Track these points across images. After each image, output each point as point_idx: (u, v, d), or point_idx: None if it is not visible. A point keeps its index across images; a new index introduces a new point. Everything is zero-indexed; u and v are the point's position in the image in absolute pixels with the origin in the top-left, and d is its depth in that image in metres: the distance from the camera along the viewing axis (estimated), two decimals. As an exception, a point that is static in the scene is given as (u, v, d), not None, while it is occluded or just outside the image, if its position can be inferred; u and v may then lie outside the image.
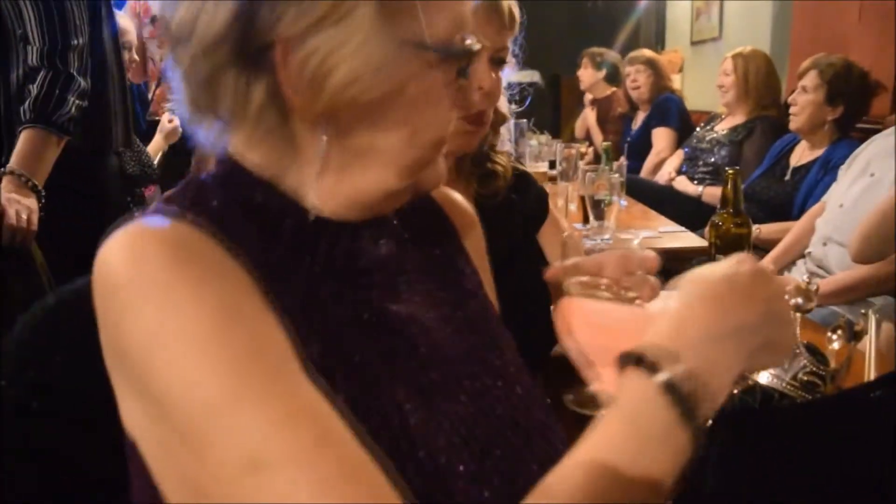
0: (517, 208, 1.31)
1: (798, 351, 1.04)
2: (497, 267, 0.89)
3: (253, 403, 0.50)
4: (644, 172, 4.12)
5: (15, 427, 0.67)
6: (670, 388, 0.55)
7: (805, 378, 1.02)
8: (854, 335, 1.10)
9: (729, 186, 1.64)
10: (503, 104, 1.36)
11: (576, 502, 0.52)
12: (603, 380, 0.63)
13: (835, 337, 1.11)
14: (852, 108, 2.69)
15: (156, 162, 2.87)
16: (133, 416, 0.56)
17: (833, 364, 1.05)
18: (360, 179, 0.62)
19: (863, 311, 1.12)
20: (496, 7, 1.15)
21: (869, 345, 1.10)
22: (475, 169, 1.29)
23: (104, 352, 0.56)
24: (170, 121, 2.95)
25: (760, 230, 2.68)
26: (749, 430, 0.75)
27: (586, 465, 0.54)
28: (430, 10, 0.59)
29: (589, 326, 0.67)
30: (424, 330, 0.67)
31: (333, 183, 0.62)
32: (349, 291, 0.64)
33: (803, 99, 2.69)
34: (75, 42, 1.72)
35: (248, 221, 0.61)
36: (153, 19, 3.05)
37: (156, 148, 2.87)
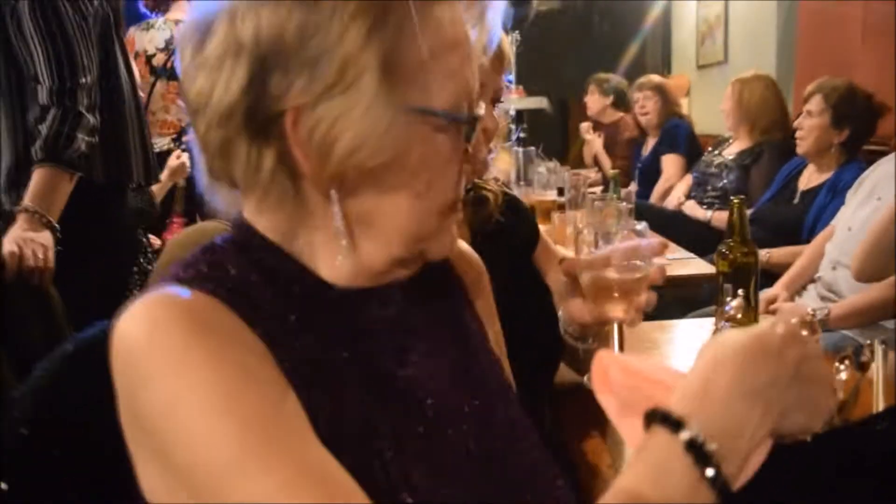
0: (511, 232, 1.35)
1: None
2: (499, 291, 0.91)
3: (264, 467, 0.53)
4: (654, 198, 4.14)
5: (27, 466, 0.69)
6: (693, 447, 0.55)
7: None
8: (861, 364, 1.11)
9: (735, 215, 1.65)
10: None
11: None
12: (638, 433, 0.63)
13: (842, 367, 1.11)
14: (858, 131, 2.70)
15: (172, 197, 2.91)
16: (153, 482, 0.58)
17: (840, 394, 1.05)
18: (368, 245, 0.64)
19: (868, 340, 1.13)
20: (497, 52, 1.19)
21: (876, 374, 1.10)
22: (465, 197, 1.33)
23: (122, 420, 0.58)
24: (178, 157, 2.96)
25: (770, 255, 2.69)
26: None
27: None
28: (434, 78, 0.62)
29: (625, 380, 0.67)
30: (430, 392, 0.68)
31: (342, 248, 0.64)
32: (356, 356, 0.66)
33: (809, 123, 2.71)
34: (83, 80, 1.77)
35: (262, 287, 0.63)
36: (135, 55, 3.11)
37: (161, 186, 2.83)
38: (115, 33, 1.99)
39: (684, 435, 0.55)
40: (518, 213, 1.41)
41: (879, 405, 1.09)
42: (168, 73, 3.12)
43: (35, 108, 1.75)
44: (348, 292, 0.67)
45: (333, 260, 0.65)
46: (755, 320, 1.48)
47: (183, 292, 0.59)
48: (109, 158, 1.92)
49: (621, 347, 1.12)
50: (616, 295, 1.00)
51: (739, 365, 0.58)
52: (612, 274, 0.99)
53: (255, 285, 0.63)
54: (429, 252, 0.68)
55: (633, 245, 0.99)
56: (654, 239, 1.01)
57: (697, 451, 0.55)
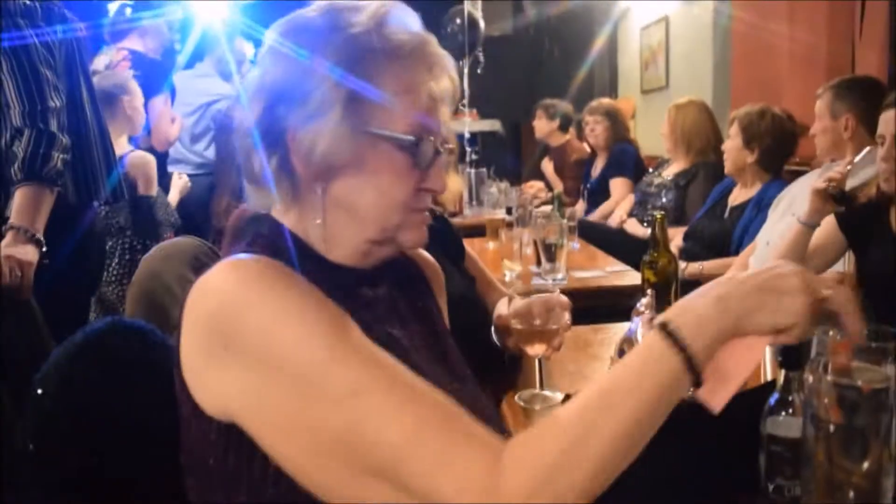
0: (441, 240, 1.60)
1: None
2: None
3: (350, 361, 0.72)
4: (597, 217, 4.35)
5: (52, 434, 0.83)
6: (661, 325, 0.74)
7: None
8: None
9: (657, 229, 1.85)
10: None
11: (592, 406, 0.71)
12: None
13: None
14: (769, 150, 2.92)
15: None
16: (240, 387, 0.74)
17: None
18: (349, 229, 0.88)
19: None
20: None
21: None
22: None
23: (199, 349, 0.76)
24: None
25: (703, 267, 2.90)
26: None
27: (602, 381, 0.73)
28: (392, 111, 0.86)
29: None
30: (407, 355, 0.87)
31: (330, 232, 0.88)
32: (358, 322, 0.83)
33: (728, 145, 2.97)
34: (52, 104, 1.90)
35: (289, 262, 0.83)
36: None
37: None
38: (79, 62, 2.12)
39: (657, 322, 0.76)
40: (447, 228, 1.71)
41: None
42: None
43: (8, 131, 1.87)
44: (351, 271, 0.89)
45: (328, 244, 0.89)
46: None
47: (251, 257, 0.79)
48: (78, 179, 2.05)
49: (541, 376, 1.41)
50: (537, 340, 1.35)
51: (713, 284, 0.78)
52: (534, 326, 1.34)
53: (286, 261, 0.83)
54: (400, 240, 0.91)
55: (545, 299, 1.35)
56: (562, 297, 1.36)
57: (663, 328, 0.74)
